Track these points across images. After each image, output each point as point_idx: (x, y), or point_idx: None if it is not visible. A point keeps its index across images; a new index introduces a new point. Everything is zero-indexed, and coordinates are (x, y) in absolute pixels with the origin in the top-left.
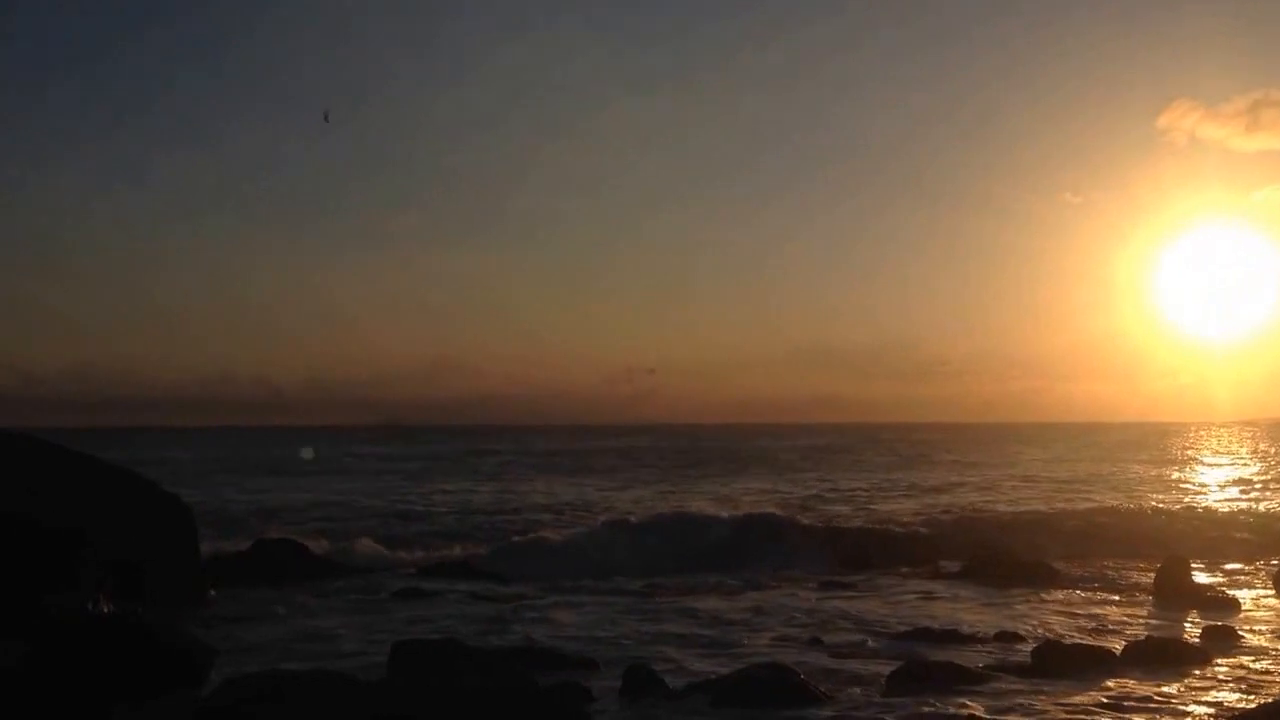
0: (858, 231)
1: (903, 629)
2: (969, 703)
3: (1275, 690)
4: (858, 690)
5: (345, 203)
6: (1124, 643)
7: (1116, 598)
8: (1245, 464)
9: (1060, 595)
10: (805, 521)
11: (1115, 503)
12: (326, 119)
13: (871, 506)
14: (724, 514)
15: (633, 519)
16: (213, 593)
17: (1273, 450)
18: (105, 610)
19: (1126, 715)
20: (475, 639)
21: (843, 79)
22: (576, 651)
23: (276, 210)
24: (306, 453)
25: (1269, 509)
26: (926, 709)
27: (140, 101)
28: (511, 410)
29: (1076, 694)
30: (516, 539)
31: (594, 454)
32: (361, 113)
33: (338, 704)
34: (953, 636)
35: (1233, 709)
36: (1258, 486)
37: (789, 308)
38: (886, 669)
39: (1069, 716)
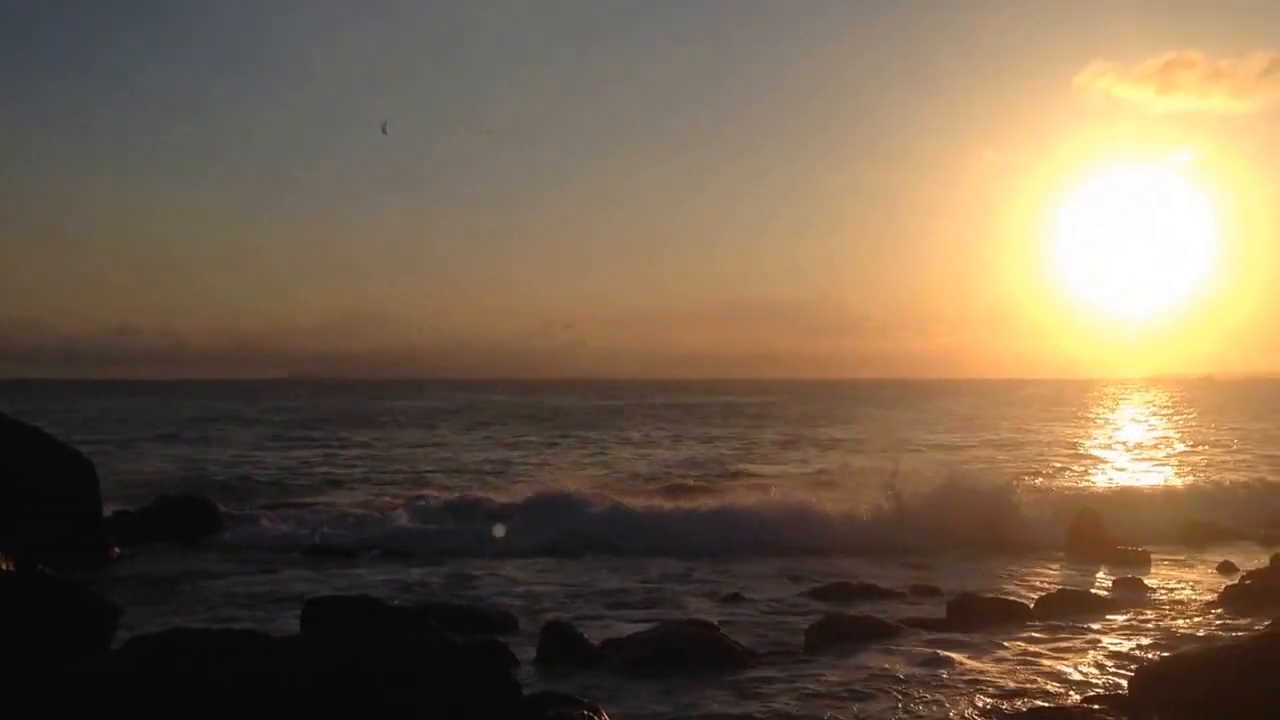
0: (785, 187)
1: (820, 584)
2: (887, 656)
3: (1180, 640)
4: (777, 645)
5: (256, 153)
6: (1037, 596)
7: (1031, 552)
8: (1151, 423)
9: (975, 550)
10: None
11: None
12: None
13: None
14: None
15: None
16: (117, 551)
17: (1186, 408)
18: (3, 568)
19: (1037, 665)
20: (391, 597)
21: (774, 36)
22: (495, 609)
23: (184, 159)
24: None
25: (1180, 466)
26: (845, 663)
27: (45, 48)
28: (428, 364)
29: (990, 645)
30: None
31: (491, 408)
32: (275, 62)
33: (249, 662)
34: (870, 591)
35: (1139, 659)
36: (1169, 445)
37: (716, 262)
38: (805, 624)
39: (982, 667)
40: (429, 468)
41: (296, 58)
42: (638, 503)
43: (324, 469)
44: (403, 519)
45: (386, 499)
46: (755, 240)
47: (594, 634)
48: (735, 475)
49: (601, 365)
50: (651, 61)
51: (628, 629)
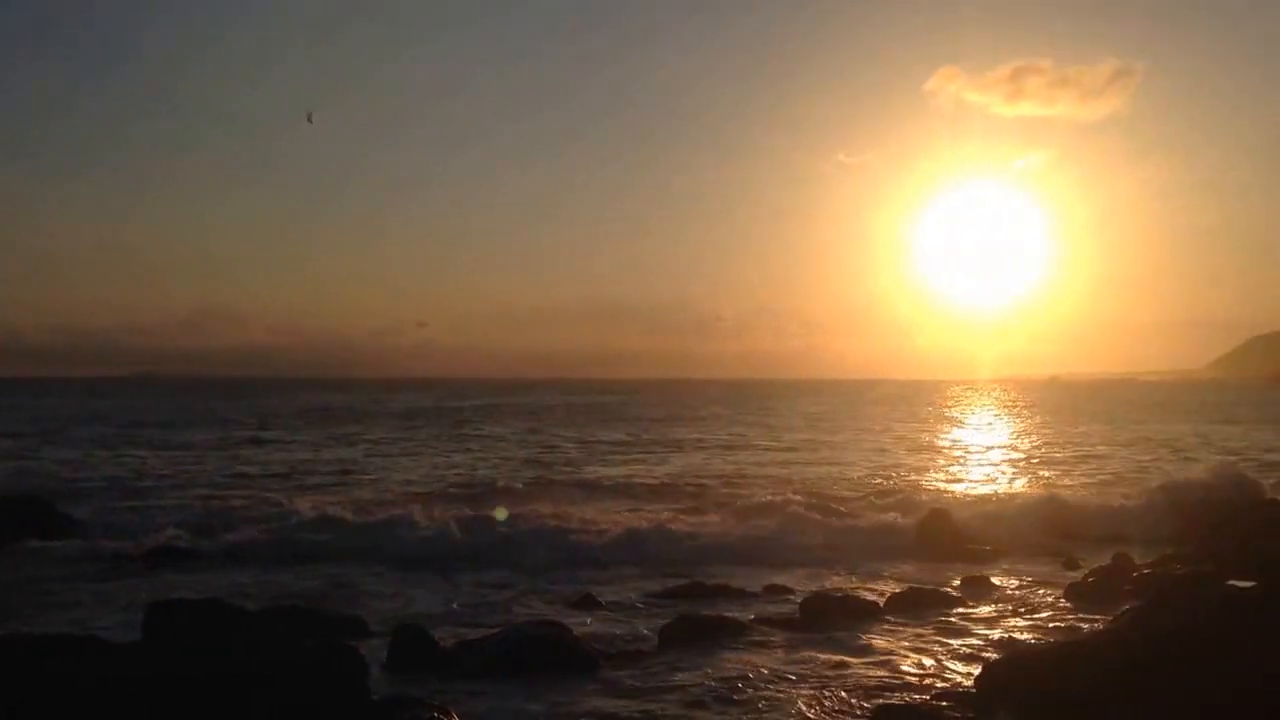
0: (640, 188)
1: (675, 584)
2: (740, 655)
3: (1025, 636)
4: (630, 646)
5: (105, 149)
6: (888, 593)
7: (881, 552)
8: (1000, 424)
9: (829, 550)
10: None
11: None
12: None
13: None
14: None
15: None
16: None
17: (1033, 409)
18: None
19: (887, 662)
20: (237, 601)
21: (630, 39)
22: (346, 613)
23: (29, 154)
24: None
25: (1027, 467)
26: (698, 662)
27: None
28: (280, 363)
29: (841, 644)
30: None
31: (342, 408)
32: (129, 61)
33: (88, 667)
34: (724, 592)
35: (986, 656)
36: (1018, 446)
37: (572, 263)
38: (659, 624)
39: (833, 665)
40: (279, 469)
41: (150, 56)
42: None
43: (167, 471)
44: (252, 522)
45: (235, 502)
46: (611, 241)
47: (446, 638)
48: (578, 479)
49: (456, 364)
50: (512, 63)
51: (481, 632)
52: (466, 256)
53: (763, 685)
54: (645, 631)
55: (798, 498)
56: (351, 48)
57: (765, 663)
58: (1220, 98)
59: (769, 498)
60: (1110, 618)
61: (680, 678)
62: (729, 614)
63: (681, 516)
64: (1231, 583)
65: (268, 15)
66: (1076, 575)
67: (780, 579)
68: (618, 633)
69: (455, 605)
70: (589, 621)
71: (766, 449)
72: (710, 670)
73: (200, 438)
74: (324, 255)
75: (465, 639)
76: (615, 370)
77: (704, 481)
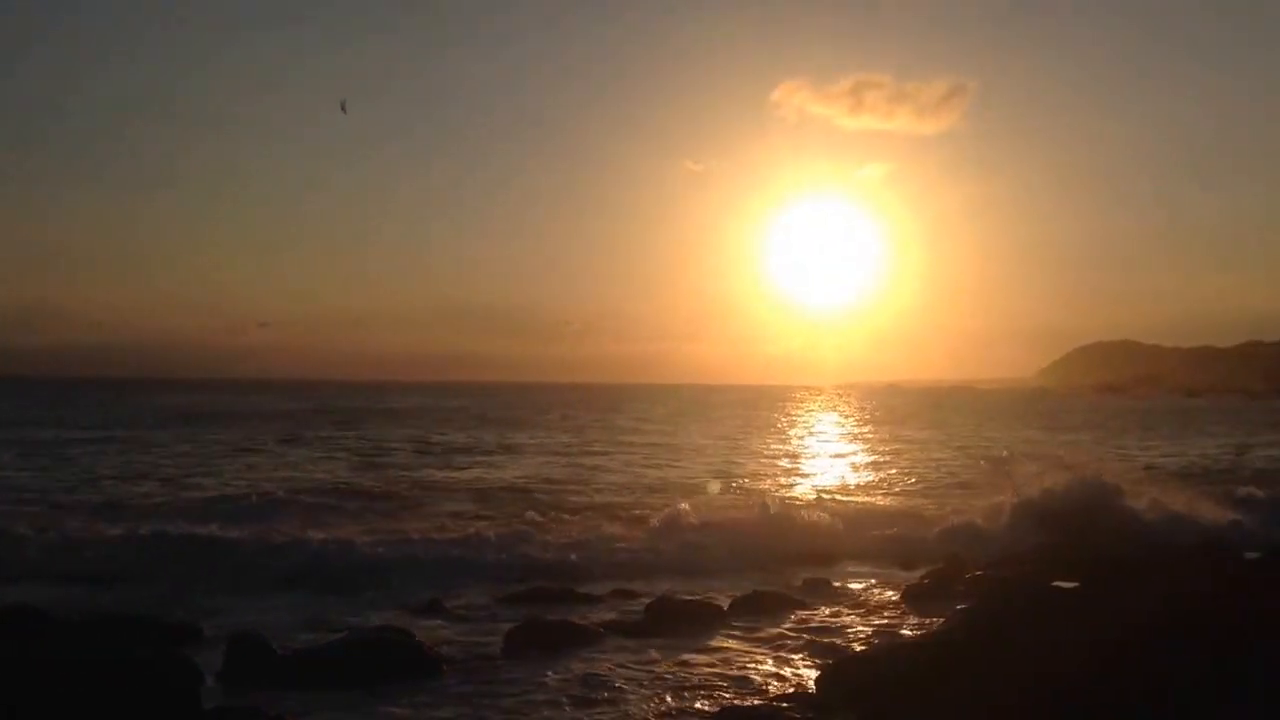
0: (490, 191)
1: (521, 589)
2: (584, 660)
3: (865, 637)
4: (475, 652)
5: None
6: (732, 597)
7: (725, 555)
8: (840, 429)
9: (676, 553)
10: None
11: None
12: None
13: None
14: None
15: None
16: None
17: (874, 413)
18: None
19: (730, 665)
20: (62, 610)
21: (483, 38)
22: (178, 620)
23: None
24: None
25: (867, 470)
26: (542, 667)
27: None
28: (112, 362)
29: (686, 647)
30: None
31: (176, 409)
32: None
33: None
34: (569, 596)
35: (827, 657)
36: (859, 450)
37: (420, 264)
38: (504, 629)
39: (677, 668)
40: (108, 473)
41: None
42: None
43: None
44: (77, 528)
45: (62, 509)
46: (457, 243)
47: (286, 646)
48: (416, 483)
49: (300, 365)
50: (359, 57)
51: (321, 639)
52: (310, 256)
53: (607, 689)
54: (491, 636)
55: (640, 501)
56: (181, 38)
57: (610, 666)
58: (1049, 116)
59: (614, 501)
60: (943, 618)
61: (524, 682)
62: (575, 618)
63: (527, 521)
64: (1056, 584)
65: (101, 6)
66: (913, 577)
67: (626, 583)
68: (463, 638)
69: (296, 613)
70: (434, 627)
71: (613, 452)
72: (555, 674)
73: (27, 435)
74: (159, 252)
75: (305, 646)
76: (462, 373)
77: (548, 486)
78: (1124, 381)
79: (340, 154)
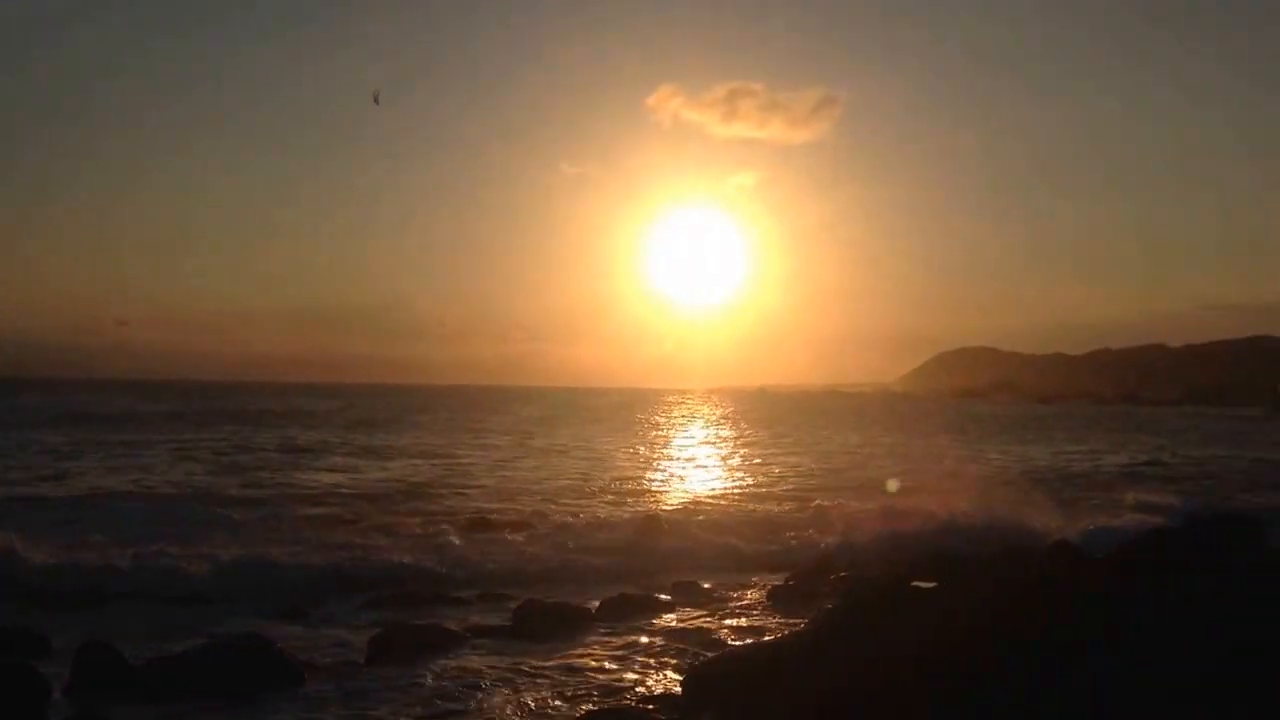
0: (352, 189)
1: (387, 594)
2: (450, 664)
3: (731, 638)
4: (338, 658)
5: None
6: (599, 599)
7: (595, 557)
8: (711, 433)
9: (548, 548)
10: None
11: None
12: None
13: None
14: None
15: None
16: None
17: (743, 418)
18: None
19: (597, 668)
20: None
21: (337, 34)
22: (22, 630)
23: None
24: None
25: (735, 474)
26: (408, 673)
27: None
28: None
29: (553, 651)
30: None
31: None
32: None
33: None
34: (437, 599)
35: (693, 659)
36: (727, 454)
37: (284, 263)
38: (369, 634)
39: (544, 672)
40: None
41: None
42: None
43: None
44: None
45: None
46: (327, 243)
47: (138, 654)
48: (278, 486)
49: (161, 366)
50: (221, 54)
51: (176, 648)
52: (175, 254)
53: (472, 693)
54: (355, 642)
55: (509, 506)
56: (25, 32)
57: (476, 670)
58: (915, 128)
59: (482, 505)
60: (807, 618)
61: (389, 687)
62: (441, 623)
63: (392, 526)
64: (916, 583)
65: None
66: (779, 579)
67: (495, 587)
68: (326, 645)
69: (149, 623)
70: (296, 634)
71: (482, 455)
72: (419, 679)
73: None
74: (12, 247)
75: (160, 655)
76: (331, 374)
77: (415, 489)
78: (983, 387)
79: (214, 152)
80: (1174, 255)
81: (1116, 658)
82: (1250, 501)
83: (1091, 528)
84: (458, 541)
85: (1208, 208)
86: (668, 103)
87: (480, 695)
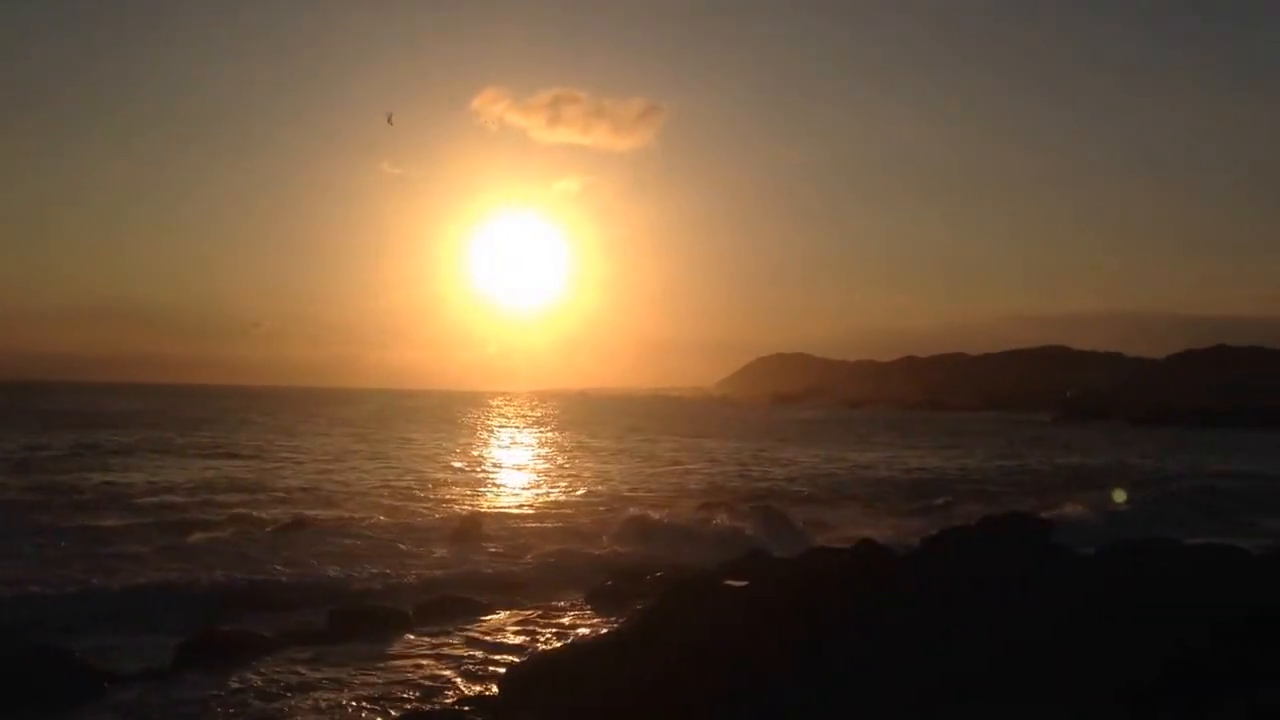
0: (162, 184)
1: (195, 597)
2: (263, 669)
3: (548, 640)
4: (145, 664)
5: None
6: (418, 602)
7: (413, 559)
8: (532, 435)
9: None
10: None
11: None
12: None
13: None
14: None
15: None
16: None
17: (565, 421)
18: None
19: (414, 670)
20: None
21: (157, 26)
22: None
23: None
24: None
25: (557, 476)
26: (217, 679)
27: None
28: None
29: (370, 653)
30: None
31: None
32: None
33: None
34: (250, 604)
35: (510, 660)
36: (549, 456)
37: (89, 259)
38: (177, 641)
39: (360, 675)
40: None
41: None
42: None
43: None
44: None
45: None
46: (134, 238)
47: None
48: (74, 489)
49: None
50: (20, 39)
51: None
52: None
53: (284, 699)
54: (163, 649)
55: (328, 508)
56: None
57: (289, 676)
58: (735, 138)
59: (302, 509)
60: (622, 619)
61: (195, 695)
62: (254, 628)
63: (206, 527)
64: (728, 582)
65: None
66: (598, 580)
67: (311, 591)
68: (130, 653)
69: None
70: (97, 643)
71: (297, 458)
72: (228, 686)
73: None
74: None
75: None
76: (139, 374)
77: (230, 491)
78: (796, 392)
79: (8, 141)
80: (978, 267)
81: (896, 644)
82: (1039, 504)
83: (894, 526)
84: (273, 544)
85: (1011, 222)
86: (492, 106)
87: (291, 699)
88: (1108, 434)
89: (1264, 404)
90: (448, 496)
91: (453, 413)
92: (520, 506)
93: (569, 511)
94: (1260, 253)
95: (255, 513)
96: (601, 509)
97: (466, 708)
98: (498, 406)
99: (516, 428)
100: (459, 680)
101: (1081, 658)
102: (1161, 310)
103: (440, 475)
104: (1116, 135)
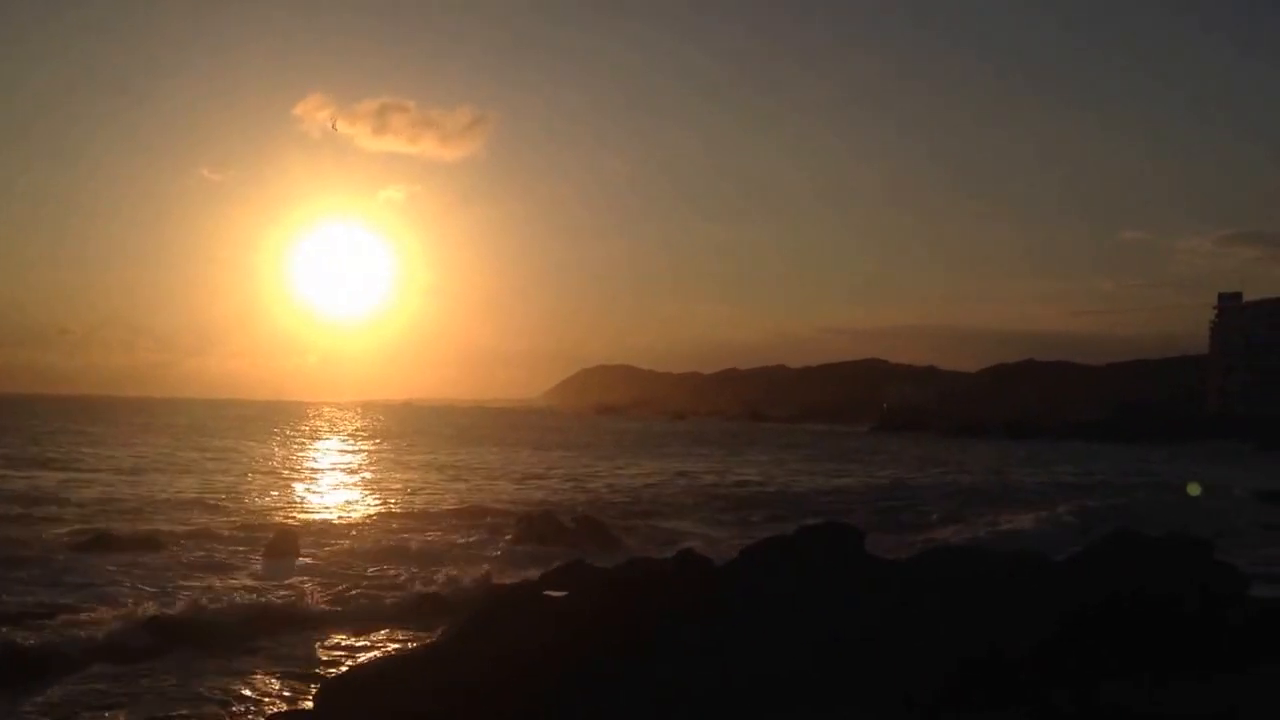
0: None
1: None
2: (68, 690)
3: (366, 651)
4: None
5: None
6: (239, 614)
7: (229, 569)
8: (352, 445)
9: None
10: None
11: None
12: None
13: None
14: None
15: None
16: None
17: (386, 430)
18: None
19: (229, 683)
20: None
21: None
22: None
23: None
24: None
25: (378, 486)
26: (15, 700)
27: None
28: None
29: (183, 669)
30: None
31: None
32: None
33: None
34: (58, 617)
35: (327, 673)
36: (369, 465)
37: None
38: None
39: (175, 689)
40: None
41: None
42: None
43: None
44: None
45: None
46: None
47: None
48: None
49: None
50: None
51: None
52: None
53: (93, 716)
54: None
55: (135, 522)
56: None
57: (97, 695)
58: (563, 148)
59: (106, 524)
60: (440, 631)
61: None
62: (59, 644)
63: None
64: (548, 593)
65: None
66: (417, 592)
67: (120, 606)
68: None
69: None
70: None
71: (102, 470)
72: (29, 704)
73: None
74: None
75: None
76: None
77: (31, 504)
78: (621, 403)
79: None
80: (801, 282)
81: (716, 653)
82: (854, 515)
83: (715, 537)
84: (75, 560)
85: (835, 237)
86: (316, 113)
87: (101, 712)
88: (920, 444)
89: (1069, 416)
90: (264, 509)
91: (271, 423)
92: (339, 520)
93: (391, 525)
94: (1069, 272)
95: (55, 529)
96: (420, 522)
97: None
98: (320, 417)
99: (336, 439)
100: (275, 694)
101: (879, 662)
102: (975, 326)
103: (256, 487)
104: (941, 153)
